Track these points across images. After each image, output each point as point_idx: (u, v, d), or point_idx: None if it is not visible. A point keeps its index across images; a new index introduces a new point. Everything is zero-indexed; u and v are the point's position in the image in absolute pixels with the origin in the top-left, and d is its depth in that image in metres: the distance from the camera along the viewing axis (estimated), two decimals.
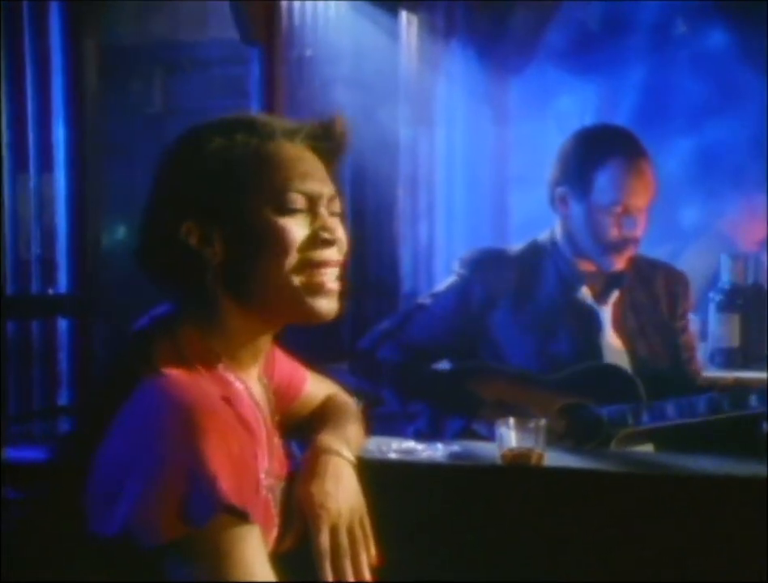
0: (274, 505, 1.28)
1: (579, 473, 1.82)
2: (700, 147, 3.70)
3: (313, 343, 1.79)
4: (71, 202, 2.63)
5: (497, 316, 2.33)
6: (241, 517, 1.09)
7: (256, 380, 1.30)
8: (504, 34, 3.73)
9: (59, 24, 2.63)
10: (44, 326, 2.64)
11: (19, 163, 2.62)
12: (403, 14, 3.69)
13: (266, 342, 1.29)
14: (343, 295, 1.27)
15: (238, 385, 1.24)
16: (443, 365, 2.39)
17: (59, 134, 2.63)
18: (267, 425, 1.29)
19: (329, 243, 1.25)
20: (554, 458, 1.84)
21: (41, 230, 2.63)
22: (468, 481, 1.84)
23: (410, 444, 1.93)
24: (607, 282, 2.37)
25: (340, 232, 1.27)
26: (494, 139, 3.87)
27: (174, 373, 1.17)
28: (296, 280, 1.23)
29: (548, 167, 2.39)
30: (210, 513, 1.07)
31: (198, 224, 1.22)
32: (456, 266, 2.41)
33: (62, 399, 2.62)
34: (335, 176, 1.30)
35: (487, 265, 2.38)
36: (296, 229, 1.23)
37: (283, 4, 3.18)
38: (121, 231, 3.90)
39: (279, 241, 1.22)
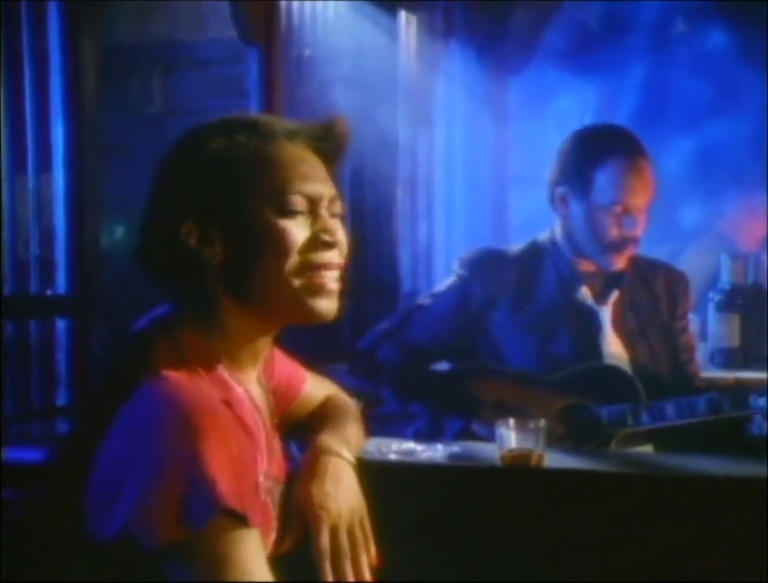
0: (273, 508, 1.28)
1: (579, 474, 1.82)
2: (700, 147, 3.70)
3: (312, 343, 1.79)
4: (70, 202, 2.63)
5: (497, 316, 2.33)
6: (241, 519, 1.09)
7: (255, 382, 1.30)
8: (503, 34, 3.72)
9: (57, 24, 2.63)
10: (42, 326, 2.64)
11: (18, 164, 2.62)
12: (402, 14, 3.69)
13: (265, 343, 1.29)
14: (343, 296, 1.26)
15: (238, 387, 1.24)
16: (442, 366, 2.39)
17: (58, 134, 2.63)
18: (267, 428, 1.29)
19: (330, 245, 1.24)
20: (554, 459, 1.84)
21: (40, 230, 2.63)
22: (468, 482, 1.84)
23: (410, 445, 1.92)
24: (607, 282, 2.37)
25: (341, 234, 1.26)
26: (494, 139, 3.86)
27: (174, 375, 1.16)
28: (297, 282, 1.22)
29: (547, 167, 2.39)
30: (209, 516, 1.07)
31: (198, 225, 1.22)
32: (456, 267, 2.41)
33: (61, 400, 2.61)
34: (336, 177, 1.29)
35: (486, 265, 2.38)
36: (297, 231, 1.22)
37: (282, 4, 3.18)
38: (120, 232, 3.90)
39: (279, 243, 1.21)
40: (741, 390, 2.32)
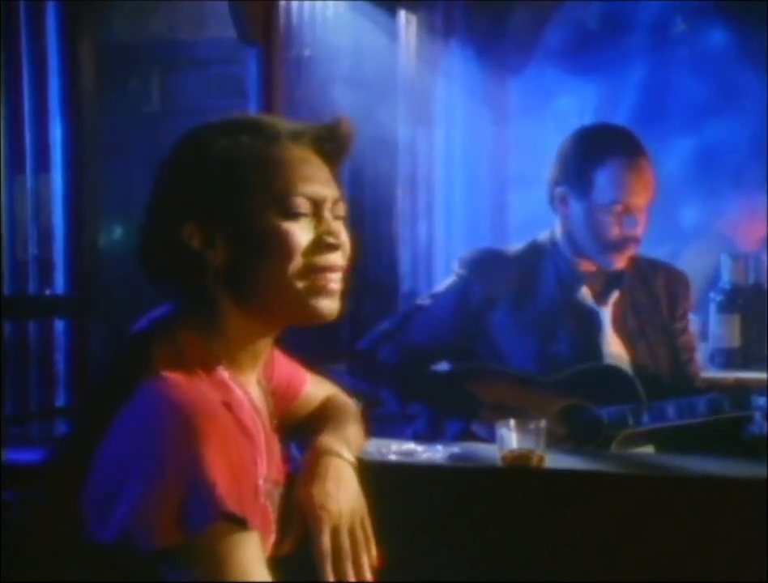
0: (272, 511, 1.27)
1: (579, 474, 1.82)
2: (700, 147, 3.70)
3: (312, 344, 1.78)
4: (68, 202, 2.63)
5: (497, 316, 2.33)
6: (240, 523, 1.09)
7: (255, 384, 1.29)
8: (503, 34, 3.72)
9: (56, 24, 2.62)
10: (41, 327, 2.63)
11: (16, 164, 2.61)
12: (402, 14, 3.69)
13: (265, 345, 1.28)
14: (344, 296, 1.26)
15: (237, 389, 1.23)
16: (442, 366, 2.38)
17: (56, 134, 2.62)
18: (266, 430, 1.28)
19: (333, 247, 1.24)
20: (554, 460, 1.84)
21: (38, 230, 2.63)
22: (469, 482, 1.84)
23: (410, 445, 1.92)
24: (607, 282, 2.37)
25: (344, 236, 1.26)
26: (493, 139, 3.86)
27: (174, 376, 1.16)
28: (300, 284, 1.22)
29: (547, 167, 2.39)
30: (208, 520, 1.07)
31: (200, 226, 1.21)
32: (455, 267, 2.41)
33: (59, 400, 2.61)
34: (338, 179, 1.29)
35: (486, 265, 2.38)
36: (301, 233, 1.22)
37: (282, 3, 3.18)
38: (118, 231, 3.89)
39: (283, 246, 1.21)
40: (742, 391, 2.32)
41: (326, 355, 2.32)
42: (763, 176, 3.50)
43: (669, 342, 2.40)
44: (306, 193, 1.23)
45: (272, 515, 1.27)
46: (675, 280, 2.45)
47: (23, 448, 1.96)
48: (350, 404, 1.56)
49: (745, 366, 3.08)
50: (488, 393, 2.26)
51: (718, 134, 3.64)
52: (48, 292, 2.64)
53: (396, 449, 1.89)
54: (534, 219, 2.62)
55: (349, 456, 1.38)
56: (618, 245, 2.29)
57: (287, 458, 1.37)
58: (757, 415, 2.11)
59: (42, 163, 2.63)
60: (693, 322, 2.64)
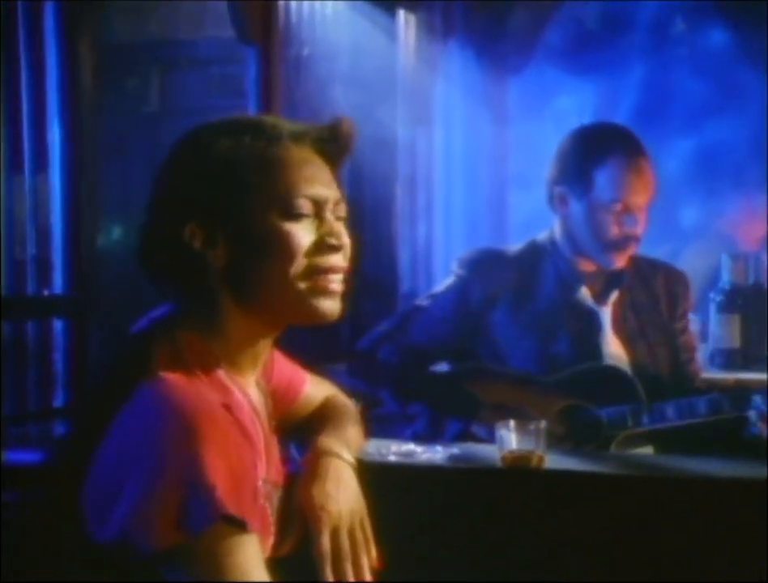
0: (271, 513, 1.27)
1: (579, 475, 1.82)
2: (700, 147, 3.69)
3: (311, 344, 1.78)
4: (67, 202, 2.62)
5: (496, 316, 2.32)
6: (239, 525, 1.08)
7: (254, 385, 1.29)
8: (502, 33, 3.72)
9: (54, 23, 2.62)
10: (39, 327, 2.63)
11: (15, 164, 2.61)
12: (401, 13, 3.68)
13: (265, 346, 1.28)
14: (345, 297, 1.26)
15: (237, 391, 1.23)
16: (442, 367, 2.38)
17: (55, 133, 2.62)
18: (265, 432, 1.28)
19: (335, 249, 1.24)
20: (554, 460, 1.83)
21: (37, 230, 2.63)
22: (468, 483, 1.84)
23: (409, 446, 1.92)
24: (606, 282, 2.37)
25: (345, 238, 1.26)
26: (493, 139, 3.85)
27: (174, 377, 1.15)
28: (302, 285, 1.22)
29: (547, 167, 2.38)
30: (207, 521, 1.07)
31: (201, 226, 1.21)
32: (454, 267, 2.40)
33: (58, 401, 2.60)
34: (340, 180, 1.29)
35: (485, 265, 2.37)
36: (303, 234, 1.22)
37: (281, 3, 3.17)
38: (117, 231, 3.89)
39: (285, 247, 1.21)
40: (742, 391, 2.31)
41: (326, 356, 2.32)
42: (763, 176, 3.49)
43: (669, 342, 2.39)
44: (308, 194, 1.23)
45: (271, 516, 1.27)
46: (674, 280, 2.44)
47: (21, 448, 1.96)
48: (349, 405, 1.55)
49: (745, 366, 3.07)
50: (487, 393, 2.26)
51: (718, 134, 3.64)
52: (46, 292, 2.64)
53: (396, 450, 1.89)
54: (533, 219, 2.62)
55: (349, 457, 1.38)
56: (618, 244, 2.29)
57: (286, 459, 1.37)
58: (753, 416, 2.11)
59: (41, 163, 2.63)
60: (693, 322, 2.63)
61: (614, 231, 2.27)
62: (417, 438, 2.16)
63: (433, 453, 1.89)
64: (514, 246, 2.44)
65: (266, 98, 3.08)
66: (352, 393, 1.61)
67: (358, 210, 3.43)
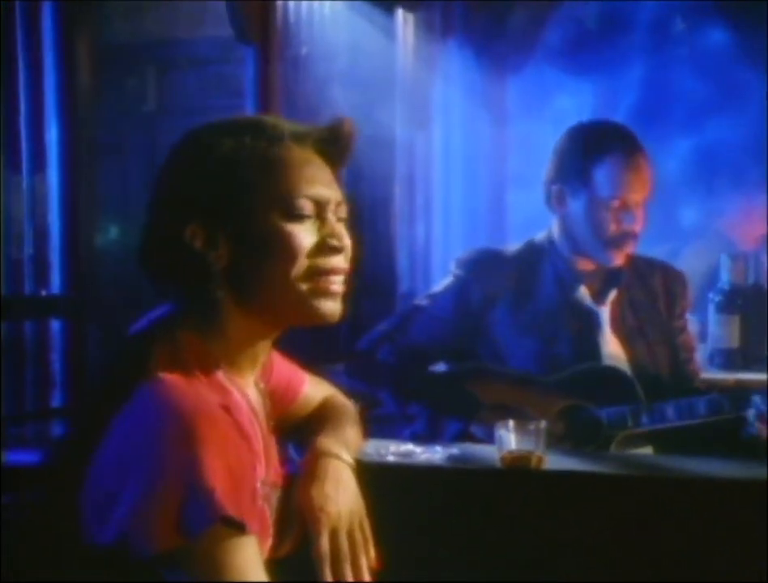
0: (270, 514, 1.27)
1: (579, 475, 1.82)
2: (699, 147, 3.70)
3: (310, 344, 1.78)
4: (64, 201, 2.62)
5: (495, 316, 2.32)
6: (238, 527, 1.08)
7: (253, 386, 1.29)
8: (501, 33, 3.72)
9: (52, 23, 2.61)
10: (37, 327, 2.63)
11: (12, 163, 2.61)
12: (400, 13, 3.68)
13: (265, 347, 1.28)
14: (346, 298, 1.25)
15: (236, 392, 1.23)
16: (441, 367, 2.37)
17: (52, 133, 2.62)
18: (264, 433, 1.28)
19: (337, 250, 1.23)
20: (554, 461, 1.83)
21: (34, 230, 2.62)
22: (468, 484, 1.83)
23: (408, 447, 1.92)
24: (605, 281, 2.36)
25: (347, 239, 1.26)
26: (492, 139, 3.85)
27: (173, 378, 1.15)
28: (303, 286, 1.22)
29: (545, 166, 2.38)
30: (206, 523, 1.06)
31: (202, 226, 1.20)
32: (453, 267, 2.40)
33: (55, 401, 2.60)
34: (341, 180, 1.28)
35: (484, 265, 2.37)
36: (304, 235, 1.22)
37: (279, 3, 3.17)
38: (114, 231, 3.88)
39: (286, 247, 1.20)
40: (741, 392, 2.31)
41: (325, 356, 2.31)
42: (763, 176, 3.49)
43: (668, 341, 2.39)
44: (310, 194, 1.22)
45: (270, 517, 1.27)
46: (672, 278, 2.44)
47: (19, 449, 1.95)
48: (348, 405, 1.55)
49: (745, 367, 3.07)
50: (487, 393, 2.26)
51: (717, 133, 3.64)
52: (44, 292, 2.64)
53: (395, 450, 1.88)
54: (532, 218, 2.61)
55: (348, 457, 1.38)
56: (616, 241, 2.29)
57: (285, 460, 1.36)
58: (753, 416, 2.11)
59: (38, 163, 2.62)
60: (692, 323, 2.63)
61: (612, 228, 2.27)
62: (416, 438, 2.16)
63: (432, 454, 1.88)
64: (512, 246, 2.43)
65: (265, 98, 3.07)
66: (350, 393, 1.61)
67: (356, 209, 3.43)
